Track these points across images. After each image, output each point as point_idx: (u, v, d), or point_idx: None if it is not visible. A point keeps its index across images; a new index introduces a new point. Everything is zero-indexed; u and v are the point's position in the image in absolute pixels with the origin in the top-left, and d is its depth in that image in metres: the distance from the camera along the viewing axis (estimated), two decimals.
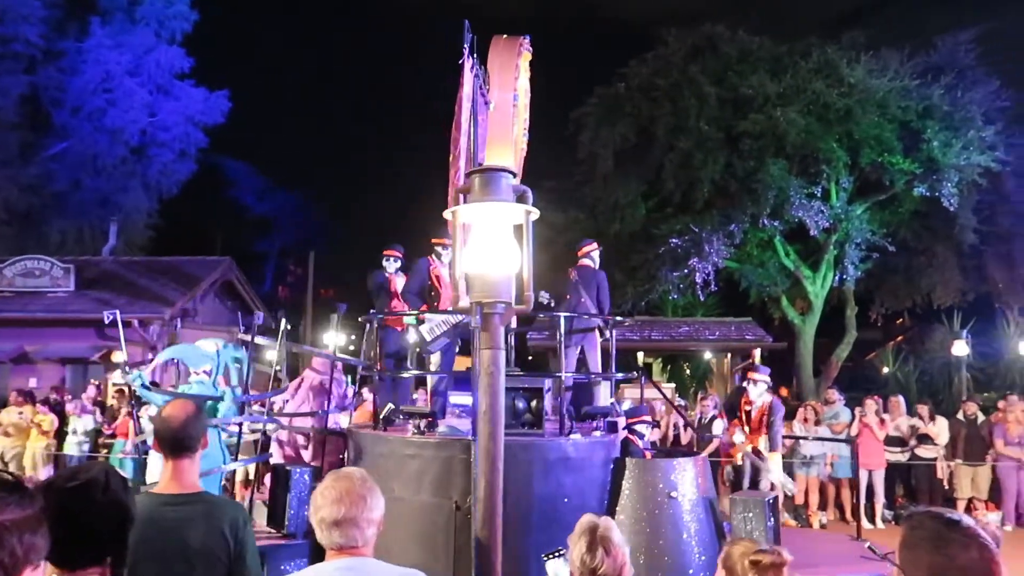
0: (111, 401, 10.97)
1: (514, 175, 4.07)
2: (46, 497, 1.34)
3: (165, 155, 21.27)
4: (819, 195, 15.66)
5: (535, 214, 3.89)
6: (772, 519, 5.06)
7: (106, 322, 6.21)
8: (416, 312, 5.86)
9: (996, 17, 16.99)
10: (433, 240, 6.30)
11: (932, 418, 9.12)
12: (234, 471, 6.99)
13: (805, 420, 9.14)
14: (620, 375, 6.81)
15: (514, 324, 6.27)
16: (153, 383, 6.57)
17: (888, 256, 16.26)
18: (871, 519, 8.56)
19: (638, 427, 5.72)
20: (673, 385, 15.17)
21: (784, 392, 17.27)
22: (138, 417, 6.51)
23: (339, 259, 30.57)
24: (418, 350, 6.17)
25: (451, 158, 5.59)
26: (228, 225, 30.16)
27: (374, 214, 32.02)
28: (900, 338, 23.14)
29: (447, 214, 3.97)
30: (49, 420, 9.92)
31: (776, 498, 5.49)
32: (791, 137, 15.07)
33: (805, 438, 8.89)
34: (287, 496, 4.97)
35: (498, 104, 5.46)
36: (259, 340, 6.10)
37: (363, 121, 41.01)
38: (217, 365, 5.92)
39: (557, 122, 17.27)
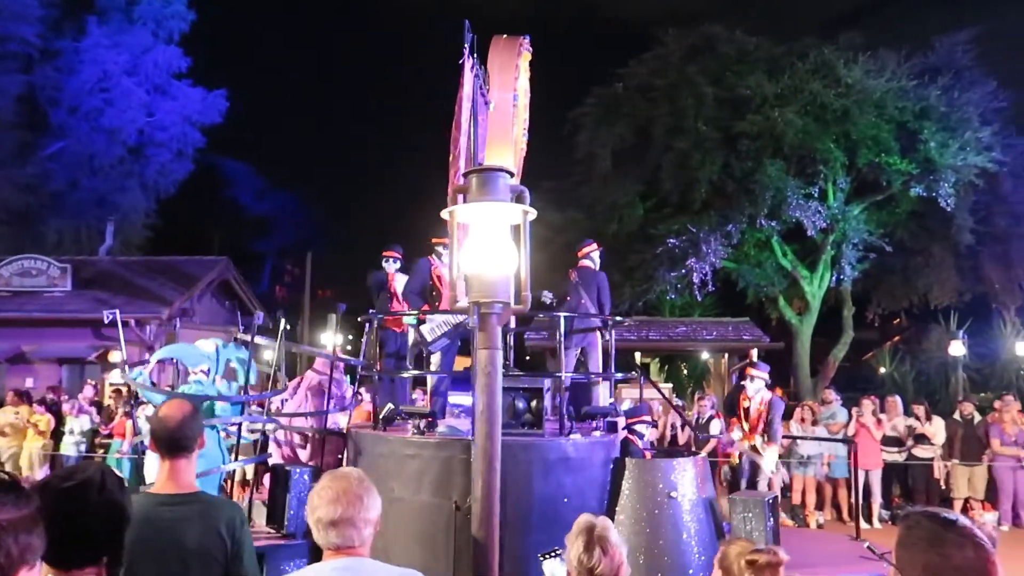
0: (108, 401, 10.95)
1: (511, 175, 4.07)
2: (42, 497, 1.33)
3: (162, 155, 21.24)
4: (816, 195, 15.68)
5: (532, 214, 3.89)
6: (772, 519, 5.06)
7: (106, 321, 6.20)
8: (416, 312, 5.86)
9: (994, 18, 17.05)
10: (434, 240, 6.29)
11: (929, 418, 9.14)
12: (233, 471, 6.97)
13: (802, 420, 9.15)
14: (620, 375, 6.81)
15: (513, 324, 6.26)
16: (151, 383, 6.56)
17: (885, 256, 16.29)
18: (868, 519, 8.57)
19: (638, 427, 5.72)
20: (670, 385, 15.17)
21: (780, 392, 17.27)
22: (136, 417, 6.50)
23: (337, 259, 30.61)
24: (419, 350, 6.16)
25: (451, 158, 5.59)
26: (225, 225, 30.16)
27: (374, 214, 32.06)
28: (897, 338, 23.21)
29: (445, 214, 3.97)
30: (46, 420, 9.91)
31: (776, 498, 5.50)
32: (788, 137, 15.09)
33: (802, 438, 8.90)
34: (286, 496, 4.97)
35: (498, 104, 5.47)
36: (259, 340, 6.09)
37: (363, 121, 41.05)
38: (216, 365, 5.91)
39: (555, 122, 17.28)
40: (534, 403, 4.96)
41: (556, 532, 2.54)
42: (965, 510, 8.56)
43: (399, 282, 6.58)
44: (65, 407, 10.31)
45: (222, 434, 5.79)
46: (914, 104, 15.27)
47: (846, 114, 15.18)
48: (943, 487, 9.15)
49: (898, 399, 9.65)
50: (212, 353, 6.08)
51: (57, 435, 9.98)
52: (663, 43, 17.64)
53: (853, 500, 8.34)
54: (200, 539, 2.14)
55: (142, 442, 6.05)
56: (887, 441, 8.99)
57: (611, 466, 4.97)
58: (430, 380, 5.98)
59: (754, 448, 6.50)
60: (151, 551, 2.06)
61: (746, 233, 16.47)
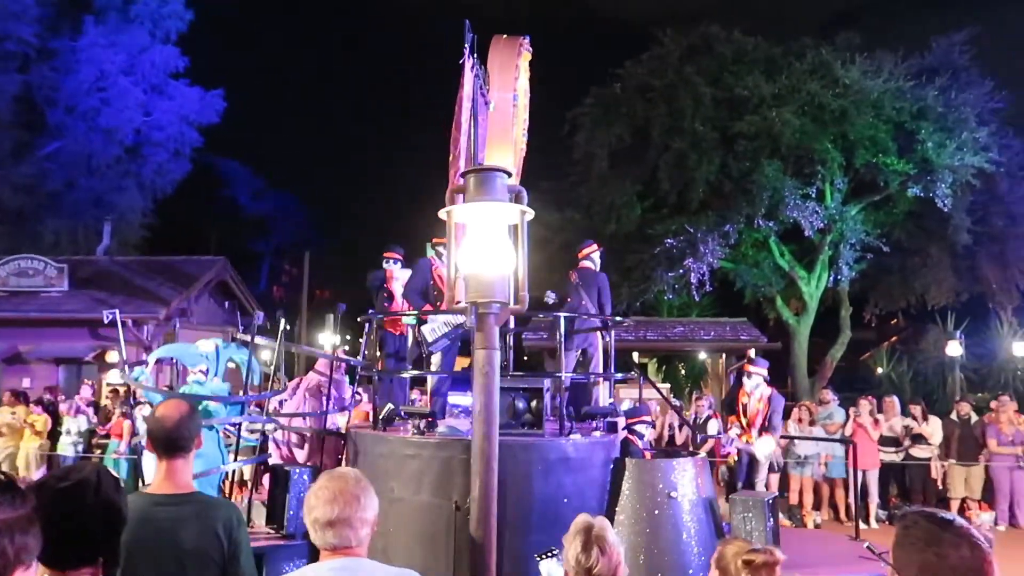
0: (105, 401, 10.92)
1: (509, 175, 4.07)
2: (38, 497, 1.33)
3: (160, 155, 21.22)
4: (814, 196, 15.70)
5: (530, 214, 3.89)
6: (771, 519, 5.07)
7: (106, 321, 6.19)
8: (416, 312, 5.86)
9: (991, 18, 17.08)
10: (434, 239, 6.29)
11: (926, 418, 9.15)
12: (232, 471, 6.96)
13: (800, 420, 9.16)
14: (619, 375, 6.80)
15: (512, 324, 6.26)
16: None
17: (882, 257, 16.31)
18: (865, 519, 8.57)
19: (638, 427, 5.72)
20: (668, 385, 15.18)
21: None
22: (135, 417, 6.49)
23: (336, 259, 30.59)
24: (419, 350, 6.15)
25: (451, 158, 5.59)
26: (223, 225, 30.14)
27: (373, 214, 32.07)
28: (894, 338, 23.24)
29: (442, 214, 3.97)
30: (43, 420, 9.88)
31: (775, 498, 5.51)
32: (786, 138, 15.11)
33: (800, 438, 8.91)
34: (286, 496, 4.96)
35: (498, 104, 5.47)
36: (258, 340, 6.08)
37: (363, 121, 41.06)
38: (216, 365, 5.90)
39: (554, 122, 17.28)
40: (534, 403, 4.96)
41: (556, 532, 2.53)
42: (962, 510, 8.58)
43: (399, 283, 6.58)
44: (62, 407, 10.28)
45: (222, 434, 5.78)
46: (911, 104, 15.29)
47: (843, 114, 15.20)
48: (940, 487, 9.15)
49: (895, 399, 9.66)
50: (211, 353, 6.07)
51: (54, 435, 9.95)
52: (660, 43, 17.66)
53: (850, 500, 8.35)
54: (197, 539, 2.14)
55: (140, 442, 6.03)
56: (884, 441, 9.01)
57: (611, 466, 4.97)
58: (430, 380, 5.98)
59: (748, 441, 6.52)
60: (148, 551, 2.06)
61: (744, 233, 16.48)
